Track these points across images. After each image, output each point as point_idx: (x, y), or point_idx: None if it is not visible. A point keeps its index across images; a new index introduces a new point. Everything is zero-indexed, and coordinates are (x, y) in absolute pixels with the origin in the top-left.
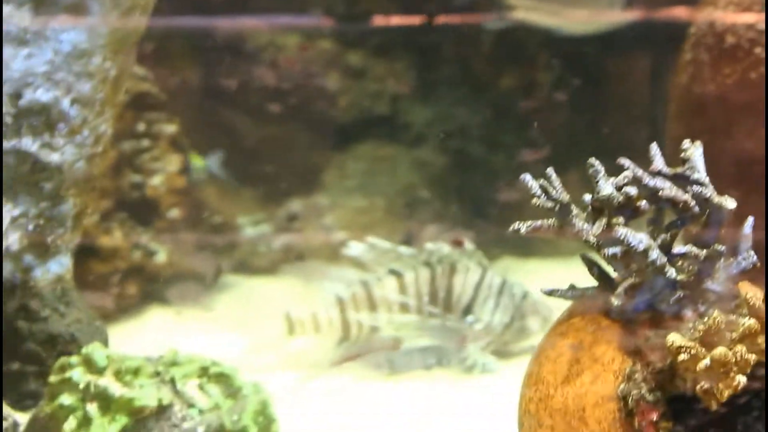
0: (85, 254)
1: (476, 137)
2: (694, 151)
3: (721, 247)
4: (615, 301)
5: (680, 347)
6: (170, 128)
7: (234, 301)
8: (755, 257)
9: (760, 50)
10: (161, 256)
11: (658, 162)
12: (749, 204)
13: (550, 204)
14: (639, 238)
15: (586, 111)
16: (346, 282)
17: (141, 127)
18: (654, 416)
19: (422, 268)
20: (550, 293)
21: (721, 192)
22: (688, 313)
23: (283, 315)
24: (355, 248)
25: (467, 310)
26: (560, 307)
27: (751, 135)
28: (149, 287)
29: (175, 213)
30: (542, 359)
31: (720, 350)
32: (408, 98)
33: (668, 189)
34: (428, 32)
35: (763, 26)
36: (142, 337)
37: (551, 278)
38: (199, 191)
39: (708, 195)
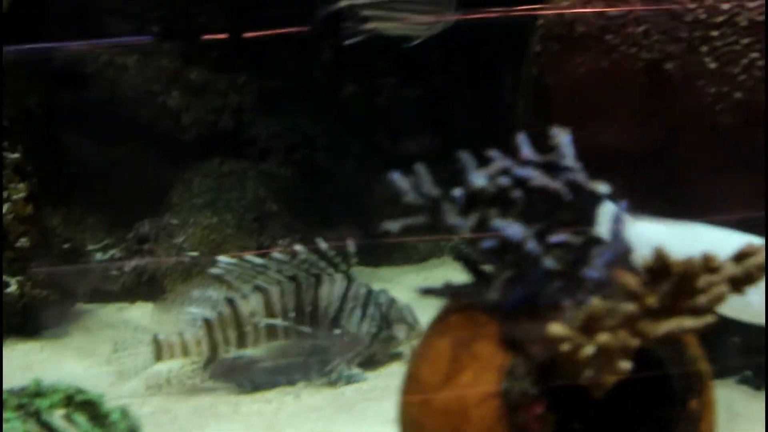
0: None
1: (322, 146)
2: (563, 138)
3: (597, 234)
4: (492, 296)
5: (562, 337)
6: (14, 155)
7: (92, 328)
8: (627, 241)
9: (611, 37)
10: (12, 287)
11: (526, 150)
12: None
13: (420, 201)
14: (514, 229)
15: (437, 112)
16: (211, 302)
17: None
18: (539, 410)
19: (287, 282)
20: (426, 292)
21: None
22: (567, 303)
23: (151, 339)
24: (222, 264)
25: (334, 322)
26: (426, 314)
27: (605, 125)
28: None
29: (24, 242)
30: (420, 361)
31: (603, 337)
32: (252, 112)
33: (538, 178)
34: (268, 45)
35: (611, 13)
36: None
37: (404, 285)
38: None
39: (579, 181)
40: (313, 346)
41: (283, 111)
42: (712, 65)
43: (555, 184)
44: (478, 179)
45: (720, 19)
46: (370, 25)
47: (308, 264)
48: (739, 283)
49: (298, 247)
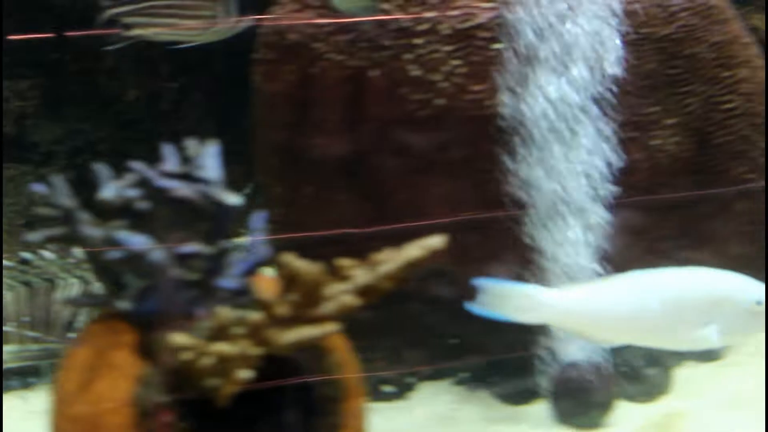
0: None
1: (104, 151)
2: (202, 150)
3: (228, 244)
4: (124, 306)
5: (183, 346)
6: None
7: None
8: (265, 251)
9: (319, 45)
10: None
11: (168, 162)
12: (325, 200)
13: (55, 212)
14: (138, 240)
15: (219, 116)
16: None
17: None
18: (169, 418)
19: (21, 288)
20: (71, 303)
21: (299, 188)
22: (201, 312)
23: None
24: None
25: (69, 325)
26: None
27: (318, 130)
28: None
29: None
30: (62, 369)
31: (219, 346)
32: (35, 117)
33: (178, 188)
34: (51, 50)
35: (320, 22)
36: None
37: None
38: None
39: (211, 192)
40: (47, 350)
41: (67, 116)
42: (415, 72)
43: (193, 195)
44: (107, 191)
45: (424, 27)
46: (133, 32)
47: (42, 269)
48: (369, 292)
49: (27, 256)
